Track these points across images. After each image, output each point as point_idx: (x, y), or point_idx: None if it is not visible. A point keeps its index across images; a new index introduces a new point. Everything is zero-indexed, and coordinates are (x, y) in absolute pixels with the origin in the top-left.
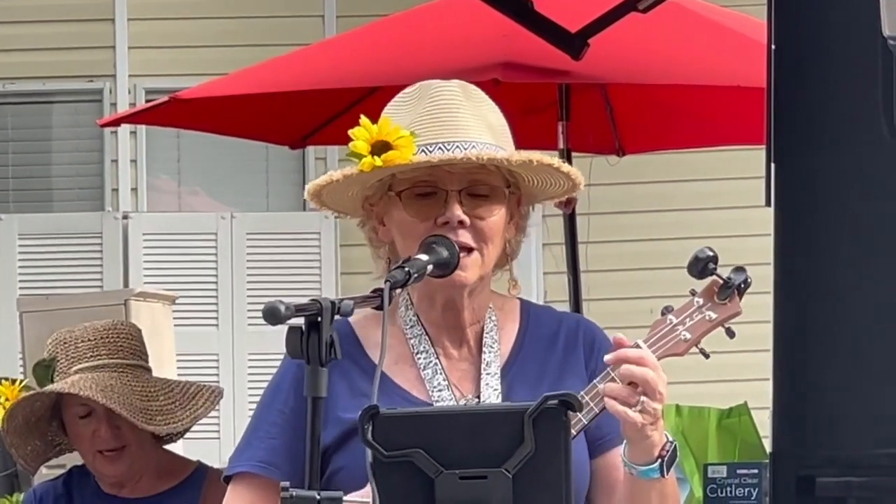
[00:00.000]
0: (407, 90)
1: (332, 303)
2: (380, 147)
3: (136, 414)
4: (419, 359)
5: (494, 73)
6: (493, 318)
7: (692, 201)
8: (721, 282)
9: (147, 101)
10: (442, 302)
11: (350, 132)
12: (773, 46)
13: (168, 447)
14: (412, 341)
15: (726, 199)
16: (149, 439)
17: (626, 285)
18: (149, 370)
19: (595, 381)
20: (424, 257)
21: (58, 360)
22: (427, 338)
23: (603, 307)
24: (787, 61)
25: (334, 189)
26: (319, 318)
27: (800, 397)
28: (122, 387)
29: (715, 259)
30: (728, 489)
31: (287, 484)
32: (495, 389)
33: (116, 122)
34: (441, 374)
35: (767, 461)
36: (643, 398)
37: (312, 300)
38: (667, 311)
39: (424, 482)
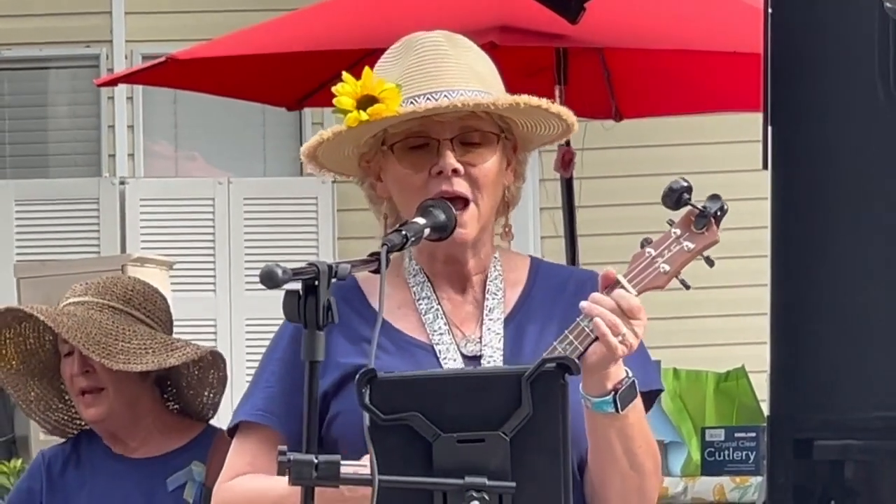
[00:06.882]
0: (393, 46)
1: (329, 266)
2: (365, 101)
3: (91, 345)
4: (420, 304)
5: (491, 36)
6: (498, 266)
7: (687, 165)
8: (697, 211)
9: None
10: (443, 257)
11: (333, 89)
12: (769, 11)
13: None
14: (414, 289)
15: (722, 163)
16: (141, 393)
17: (620, 250)
18: (140, 321)
19: (578, 319)
20: (421, 220)
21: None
22: (430, 285)
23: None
24: (784, 26)
25: (328, 149)
26: (317, 282)
27: (797, 361)
28: (88, 320)
29: (689, 189)
30: (726, 452)
31: (285, 448)
32: (497, 333)
33: (113, 83)
34: (442, 318)
35: (765, 424)
36: (626, 331)
37: (310, 264)
38: (645, 243)
39: (422, 445)
